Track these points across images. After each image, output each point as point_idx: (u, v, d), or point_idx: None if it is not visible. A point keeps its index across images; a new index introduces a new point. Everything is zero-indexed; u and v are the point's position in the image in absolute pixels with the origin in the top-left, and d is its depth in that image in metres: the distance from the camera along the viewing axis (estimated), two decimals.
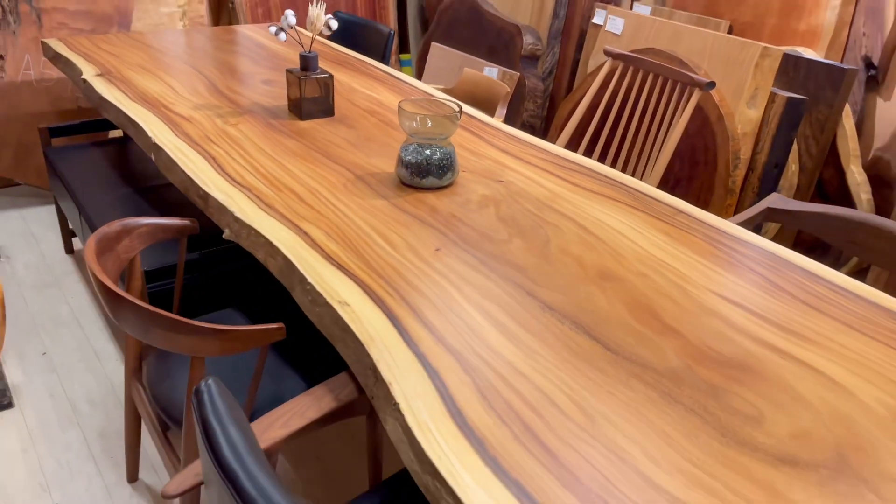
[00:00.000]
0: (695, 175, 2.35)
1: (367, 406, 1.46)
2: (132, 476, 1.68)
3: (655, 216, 1.49)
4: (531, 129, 3.20)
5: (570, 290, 1.22)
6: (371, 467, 1.48)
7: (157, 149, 1.71)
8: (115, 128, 2.64)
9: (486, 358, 1.04)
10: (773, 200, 1.65)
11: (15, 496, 1.63)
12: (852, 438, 0.92)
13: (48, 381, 1.99)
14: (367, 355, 1.05)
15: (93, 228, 1.97)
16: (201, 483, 0.96)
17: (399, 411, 0.95)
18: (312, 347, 1.51)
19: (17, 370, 2.02)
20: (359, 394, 1.12)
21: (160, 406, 1.36)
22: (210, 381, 0.83)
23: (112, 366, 2.06)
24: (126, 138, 2.59)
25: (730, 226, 1.46)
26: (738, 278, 1.27)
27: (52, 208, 2.96)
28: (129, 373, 1.53)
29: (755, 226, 2.22)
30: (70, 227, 2.63)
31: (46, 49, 2.46)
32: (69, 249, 2.63)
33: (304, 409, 1.06)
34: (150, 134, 1.76)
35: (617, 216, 1.48)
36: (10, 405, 1.88)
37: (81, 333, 2.19)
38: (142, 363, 1.54)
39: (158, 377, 1.42)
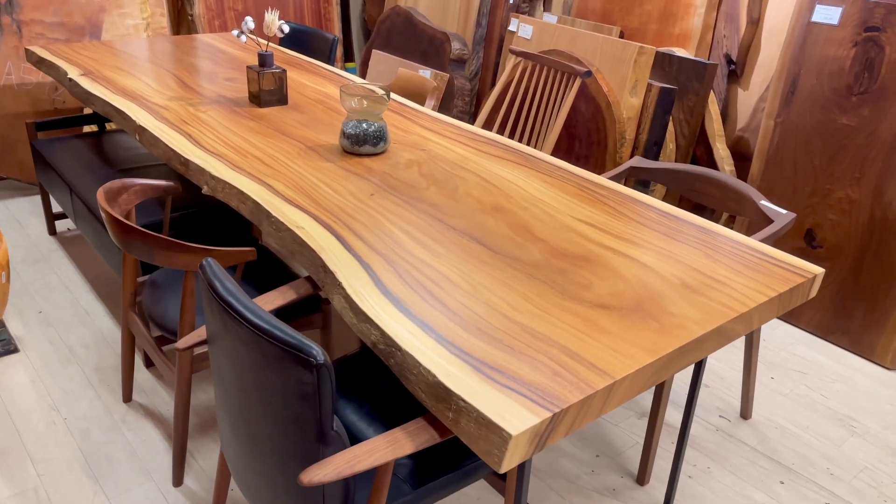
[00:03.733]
0: (590, 153, 2.82)
1: (320, 321, 1.87)
2: (127, 397, 2.04)
3: (540, 171, 1.93)
4: None
5: (470, 218, 1.65)
6: None
7: (142, 129, 2.09)
8: (92, 123, 2.99)
9: (405, 257, 1.46)
10: (636, 161, 2.11)
11: (30, 413, 1.97)
12: (649, 294, 1.37)
13: (46, 332, 2.33)
14: (319, 258, 1.46)
15: (85, 204, 2.33)
16: (203, 341, 1.35)
17: (342, 288, 1.36)
18: (277, 281, 1.91)
19: (18, 325, 2.36)
20: (313, 290, 1.52)
21: (157, 322, 1.74)
22: (210, 259, 1.23)
23: (101, 320, 2.41)
24: (102, 132, 2.94)
25: (596, 177, 1.92)
26: (594, 209, 1.72)
27: (35, 199, 3.28)
28: (126, 305, 1.89)
29: (644, 189, 2.70)
30: (55, 211, 2.96)
31: (30, 55, 2.80)
32: (52, 231, 2.96)
33: (272, 299, 1.46)
34: (134, 118, 2.14)
35: (511, 171, 1.92)
36: (15, 350, 2.22)
37: (71, 296, 2.53)
38: (136, 298, 1.91)
39: (153, 303, 1.79)
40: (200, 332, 1.37)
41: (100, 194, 1.65)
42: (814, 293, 1.55)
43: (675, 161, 2.84)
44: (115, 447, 1.89)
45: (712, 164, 2.89)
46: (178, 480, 1.78)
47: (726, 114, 2.89)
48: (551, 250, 1.52)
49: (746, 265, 1.50)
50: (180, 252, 1.53)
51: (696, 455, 1.96)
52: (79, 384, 2.11)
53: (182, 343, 1.33)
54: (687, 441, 1.69)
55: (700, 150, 2.91)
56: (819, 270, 1.49)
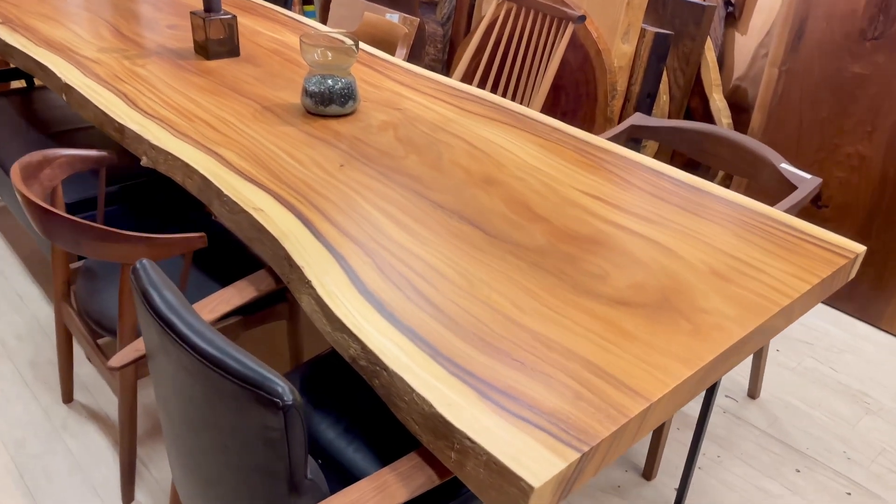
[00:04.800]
0: (578, 107, 2.58)
1: (286, 311, 1.63)
2: (67, 397, 1.80)
3: (534, 133, 1.70)
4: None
5: (457, 192, 1.41)
6: (292, 365, 1.65)
7: (69, 89, 1.79)
8: (19, 78, 2.64)
9: (384, 244, 1.23)
10: (637, 119, 1.89)
11: None
12: (675, 286, 1.17)
13: None
14: (282, 248, 1.21)
15: (9, 174, 2.03)
16: (142, 357, 1.11)
17: (311, 287, 1.13)
18: (235, 266, 1.66)
19: None
20: (276, 285, 1.29)
21: (93, 320, 1.49)
22: (145, 261, 0.99)
23: (36, 305, 2.14)
24: (31, 88, 2.60)
25: (597, 139, 1.69)
26: (599, 178, 1.50)
27: None
28: (58, 296, 1.63)
29: (635, 145, 2.48)
30: None
31: None
32: None
33: (228, 297, 1.22)
34: (59, 75, 1.83)
35: (501, 134, 1.68)
36: None
37: (2, 279, 2.24)
38: (70, 288, 1.65)
39: (88, 295, 1.54)
40: (139, 346, 1.13)
41: (14, 171, 1.37)
42: (853, 275, 1.36)
43: (669, 115, 2.62)
44: (55, 458, 1.65)
45: (708, 116, 2.68)
46: (128, 497, 1.56)
47: (723, 61, 2.67)
48: (556, 231, 1.30)
49: (780, 245, 1.30)
50: (113, 242, 1.27)
51: (705, 442, 1.81)
52: (11, 383, 1.85)
53: (116, 361, 1.09)
54: (704, 433, 1.52)
55: (695, 102, 2.69)
56: (861, 249, 1.30)
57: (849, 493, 1.67)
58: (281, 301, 1.59)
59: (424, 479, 0.93)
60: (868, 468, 1.75)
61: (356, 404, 1.28)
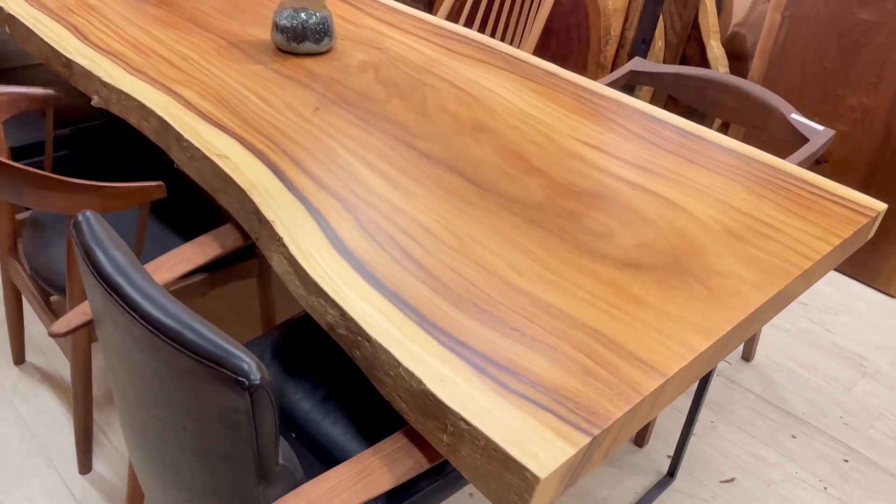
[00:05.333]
0: (569, 52, 2.44)
1: (255, 268, 1.50)
2: (18, 358, 1.66)
3: (527, 77, 1.56)
4: None
5: (445, 140, 1.28)
6: (264, 328, 1.53)
7: (12, 20, 1.60)
8: None
9: (366, 198, 1.10)
10: (636, 64, 1.76)
11: None
12: (687, 246, 1.06)
13: None
14: (250, 200, 1.08)
15: None
16: (89, 322, 0.98)
17: (283, 244, 1.00)
18: (199, 220, 1.52)
19: None
20: (244, 241, 1.16)
21: (41, 276, 1.35)
22: (88, 213, 0.85)
23: None
24: None
25: (594, 84, 1.56)
26: (598, 127, 1.38)
27: None
28: (3, 251, 1.48)
29: (629, 92, 2.36)
30: None
31: None
32: None
33: (189, 255, 1.09)
34: (1, 5, 1.64)
35: (491, 78, 1.54)
36: None
37: None
38: (16, 241, 1.50)
39: (36, 250, 1.39)
40: (87, 309, 1.00)
41: None
42: (871, 235, 1.26)
43: (664, 62, 2.48)
44: (5, 425, 1.53)
45: (704, 65, 2.55)
46: (85, 467, 1.44)
47: (721, 6, 2.53)
48: (554, 185, 1.18)
49: (797, 202, 1.19)
50: (58, 191, 1.13)
51: None
52: None
53: (60, 326, 0.96)
54: (704, 400, 1.44)
55: (690, 49, 2.56)
56: (882, 206, 1.20)
57: (846, 461, 1.62)
58: (250, 257, 1.45)
59: (412, 464, 0.82)
60: (865, 434, 1.69)
61: (334, 372, 1.17)
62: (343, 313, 0.89)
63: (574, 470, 0.75)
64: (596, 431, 0.75)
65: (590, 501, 1.48)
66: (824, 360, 1.90)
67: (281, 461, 0.77)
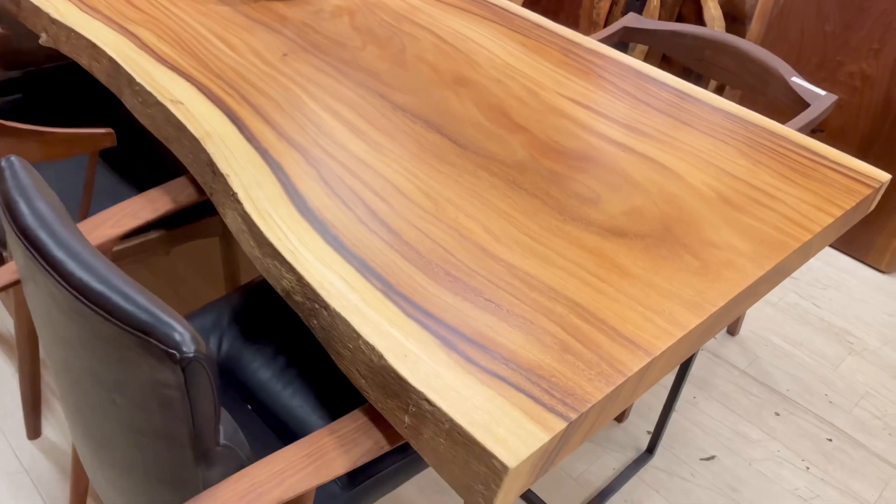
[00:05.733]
0: (560, 7, 2.32)
1: (218, 227, 1.41)
2: None
3: (514, 29, 1.46)
4: None
5: (423, 93, 1.19)
6: (228, 291, 1.45)
7: None
8: None
9: (333, 152, 1.01)
10: (630, 20, 1.66)
11: None
12: (678, 214, 0.98)
13: None
14: (204, 151, 0.98)
15: None
16: (16, 282, 0.89)
17: (237, 200, 0.91)
18: (156, 173, 1.42)
19: None
20: (199, 196, 1.06)
21: None
22: (13, 158, 0.75)
23: None
24: None
25: (586, 39, 1.46)
26: (588, 84, 1.29)
27: None
28: None
29: (619, 48, 2.26)
30: None
31: None
32: None
33: (137, 209, 1.00)
34: None
35: (475, 28, 1.44)
36: None
37: None
38: None
39: None
40: (12, 269, 0.90)
41: None
42: (873, 207, 1.19)
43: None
44: None
45: (700, 25, 2.44)
46: (33, 432, 1.36)
47: None
48: (538, 144, 1.09)
49: (796, 169, 1.12)
50: None
51: None
52: None
53: None
54: (688, 375, 1.38)
55: (686, 9, 2.45)
56: (885, 177, 1.13)
57: (830, 440, 1.57)
58: (212, 214, 1.36)
59: (370, 446, 0.75)
60: (850, 412, 1.65)
61: (298, 340, 1.09)
62: (300, 278, 0.80)
63: (547, 457, 0.68)
64: (573, 415, 0.68)
65: (564, 477, 1.43)
66: (811, 335, 1.85)
67: (223, 440, 0.69)
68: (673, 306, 0.82)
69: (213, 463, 0.69)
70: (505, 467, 0.63)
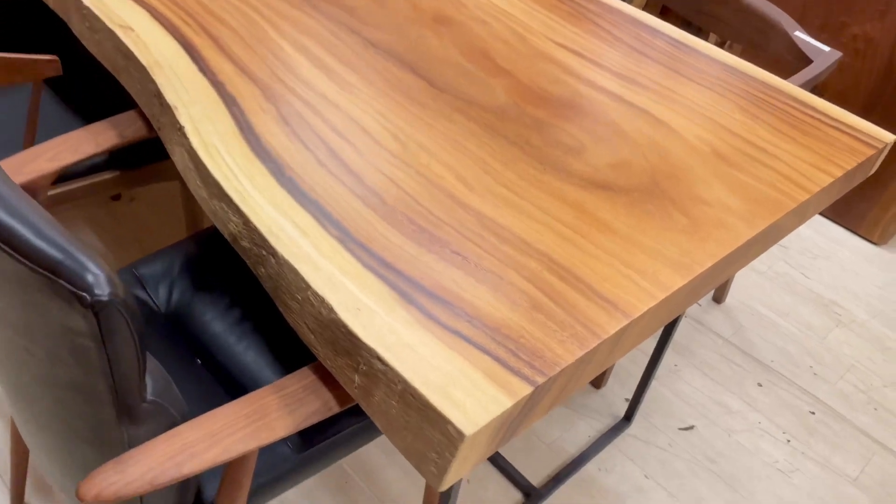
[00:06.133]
0: None
1: (176, 169, 1.32)
2: None
3: None
4: None
5: (400, 30, 1.09)
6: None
7: None
8: None
9: (295, 88, 0.92)
10: None
11: None
12: (668, 168, 0.91)
13: None
14: (152, 81, 0.90)
15: None
16: None
17: (184, 135, 0.82)
18: (109, 105, 1.32)
19: None
20: (149, 132, 0.98)
21: None
22: None
23: None
24: None
25: None
26: (579, 30, 1.20)
27: None
28: None
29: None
30: None
31: None
32: None
33: (77, 143, 0.91)
34: None
35: None
36: None
37: None
38: None
39: None
40: None
41: None
42: (874, 169, 1.12)
43: None
44: None
45: None
46: None
47: None
48: (522, 89, 1.01)
49: (796, 126, 1.04)
50: None
51: None
52: None
53: None
54: (671, 342, 1.32)
55: None
56: (890, 138, 1.06)
57: (812, 413, 1.53)
58: (168, 156, 1.27)
59: (317, 407, 0.68)
60: (835, 385, 1.60)
61: (254, 292, 1.02)
62: (247, 222, 0.73)
63: (510, 424, 0.62)
64: (540, 379, 0.61)
65: (537, 443, 1.38)
66: (799, 306, 1.80)
67: (150, 396, 0.62)
68: (657, 265, 0.75)
69: (139, 420, 0.63)
70: (461, 434, 0.56)
